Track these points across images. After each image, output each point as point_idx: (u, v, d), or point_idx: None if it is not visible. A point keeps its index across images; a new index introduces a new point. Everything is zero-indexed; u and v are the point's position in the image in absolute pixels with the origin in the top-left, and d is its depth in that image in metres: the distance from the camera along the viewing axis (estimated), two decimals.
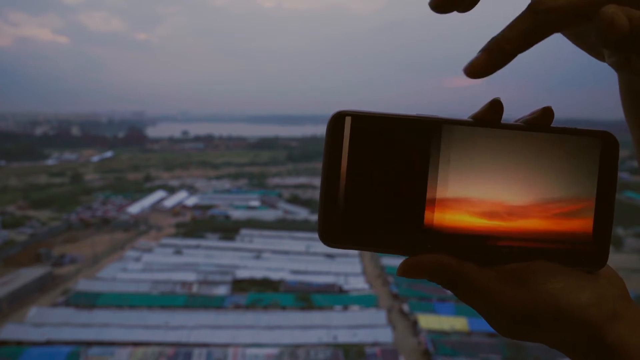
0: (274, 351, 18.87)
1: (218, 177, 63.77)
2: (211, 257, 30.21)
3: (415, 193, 0.39)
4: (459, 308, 21.11)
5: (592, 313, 0.37)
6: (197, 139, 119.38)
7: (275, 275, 26.77)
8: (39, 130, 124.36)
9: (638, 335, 0.36)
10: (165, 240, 33.84)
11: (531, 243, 0.39)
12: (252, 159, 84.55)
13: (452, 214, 0.39)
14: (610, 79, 0.43)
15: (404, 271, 0.40)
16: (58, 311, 22.17)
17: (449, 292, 0.44)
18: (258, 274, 26.87)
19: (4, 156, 78.21)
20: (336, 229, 0.40)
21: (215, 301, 23.80)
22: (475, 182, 0.39)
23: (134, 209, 43.59)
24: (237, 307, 23.29)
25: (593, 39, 0.38)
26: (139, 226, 39.16)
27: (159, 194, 50.01)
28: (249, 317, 22.00)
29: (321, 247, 27.00)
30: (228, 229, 36.66)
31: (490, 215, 0.39)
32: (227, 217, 41.17)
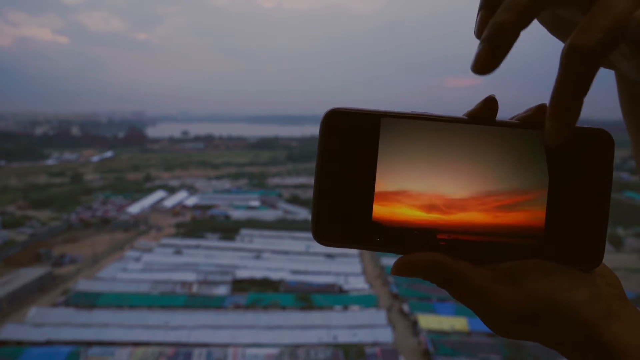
0: (274, 351, 18.87)
1: (218, 177, 63.79)
2: (211, 257, 30.21)
3: (365, 187, 0.39)
4: (459, 308, 21.10)
5: (587, 312, 0.36)
6: (197, 139, 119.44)
7: (275, 275, 26.77)
8: (39, 130, 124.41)
9: (633, 334, 0.36)
10: (165, 240, 33.84)
11: (472, 236, 0.39)
12: (252, 159, 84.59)
13: (393, 206, 0.39)
14: (610, 80, 0.43)
15: (398, 270, 0.40)
16: (58, 311, 22.17)
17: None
18: (258, 274, 26.87)
19: (4, 156, 78.25)
20: (326, 227, 0.40)
21: (215, 301, 23.80)
22: (414, 175, 0.39)
23: (134, 209, 43.60)
24: (237, 307, 23.30)
25: (629, 53, 0.35)
26: (139, 226, 39.17)
27: (159, 194, 50.02)
28: (249, 317, 22.00)
29: (321, 247, 26.95)
30: (228, 229, 36.66)
31: (429, 208, 0.39)
32: (227, 217, 41.18)
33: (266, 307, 23.09)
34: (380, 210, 0.39)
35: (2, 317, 22.17)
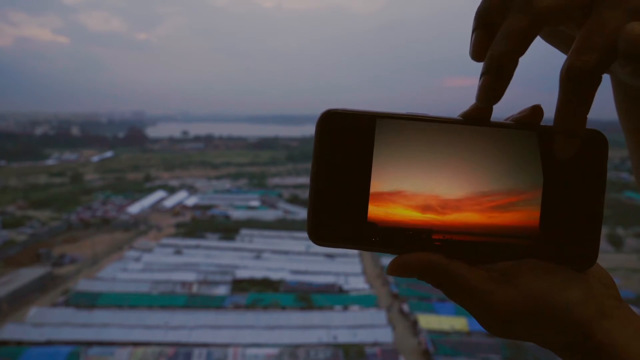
0: (274, 351, 18.87)
1: (218, 177, 63.78)
2: (211, 257, 30.21)
3: (360, 188, 0.40)
4: (459, 308, 20.85)
5: (580, 311, 0.37)
6: (197, 139, 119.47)
7: (275, 275, 26.77)
8: (39, 130, 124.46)
9: (626, 334, 0.36)
10: (165, 240, 33.84)
11: (467, 236, 0.40)
12: (252, 159, 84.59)
13: (388, 207, 0.39)
14: (608, 80, 0.44)
15: (393, 270, 0.40)
16: (58, 311, 22.17)
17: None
18: (258, 274, 26.87)
19: (4, 156, 78.29)
20: (322, 228, 0.40)
21: (215, 301, 23.79)
22: (409, 176, 0.39)
23: (134, 209, 43.59)
24: (237, 307, 23.29)
25: (622, 62, 0.34)
26: (139, 226, 39.17)
27: (159, 194, 50.02)
28: (249, 317, 21.99)
29: (321, 247, 26.88)
30: (228, 229, 36.66)
31: (424, 208, 0.39)
32: (227, 217, 41.17)
33: (266, 307, 23.09)
34: (376, 210, 0.40)
35: (2, 317, 22.17)
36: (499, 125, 0.39)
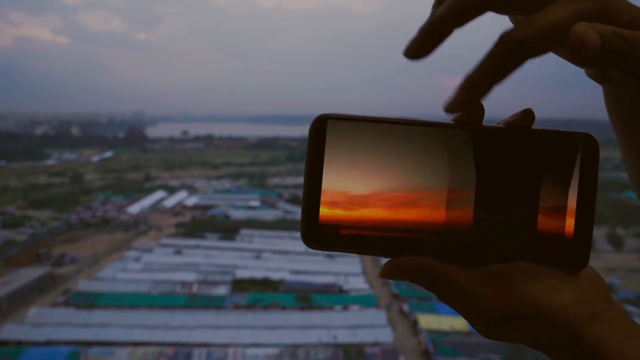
0: (274, 351, 18.87)
1: (218, 177, 63.78)
2: (211, 257, 30.21)
3: (315, 189, 0.40)
4: None
5: (571, 314, 0.37)
6: (197, 139, 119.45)
7: (275, 275, 26.77)
8: (39, 130, 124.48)
9: (617, 336, 0.36)
10: (165, 240, 33.85)
11: (373, 231, 0.40)
12: (252, 159, 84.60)
13: (323, 206, 0.40)
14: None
15: (386, 273, 0.40)
16: (58, 311, 22.17)
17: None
18: (258, 274, 26.87)
19: (4, 156, 78.31)
20: (313, 231, 0.41)
21: (215, 301, 23.79)
22: (331, 175, 0.40)
23: (134, 209, 43.59)
24: (237, 307, 23.29)
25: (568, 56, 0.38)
26: (139, 226, 39.17)
27: (159, 194, 50.03)
28: (249, 317, 22.00)
29: None
30: (228, 229, 36.66)
31: (332, 204, 0.40)
32: (227, 217, 41.17)
33: (266, 307, 23.09)
34: (323, 211, 0.40)
35: (2, 317, 22.18)
36: (490, 129, 0.40)
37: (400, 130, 0.40)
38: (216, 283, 25.97)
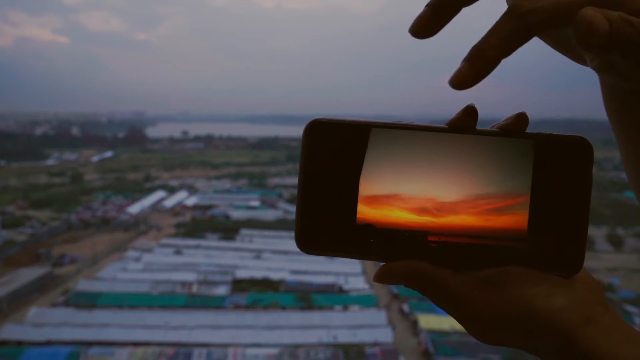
0: (274, 351, 18.87)
1: (218, 177, 63.77)
2: (211, 257, 30.21)
3: (349, 195, 0.40)
4: None
5: (565, 318, 0.37)
6: (197, 139, 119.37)
7: (275, 275, 26.77)
8: (39, 130, 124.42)
9: (612, 340, 0.36)
10: (165, 240, 33.83)
11: (461, 238, 0.40)
12: (252, 159, 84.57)
13: (384, 209, 0.40)
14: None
15: (380, 277, 0.41)
16: (58, 311, 22.17)
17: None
18: (258, 274, 26.86)
19: (4, 156, 78.27)
20: (311, 236, 0.41)
21: (215, 301, 23.79)
22: (404, 180, 0.40)
23: (134, 209, 43.58)
24: (237, 307, 23.29)
25: (573, 42, 0.37)
26: (139, 226, 39.17)
27: (159, 194, 50.02)
28: (249, 317, 21.99)
29: None
30: (228, 229, 36.66)
31: (420, 210, 0.40)
32: (227, 217, 41.16)
33: (266, 307, 23.09)
34: (372, 212, 0.40)
35: (2, 317, 22.17)
36: (484, 133, 0.40)
37: (391, 134, 0.40)
38: (216, 283, 25.97)
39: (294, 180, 60.84)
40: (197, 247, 32.46)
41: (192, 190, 53.73)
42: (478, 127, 0.41)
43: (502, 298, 0.38)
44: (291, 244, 32.51)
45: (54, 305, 23.39)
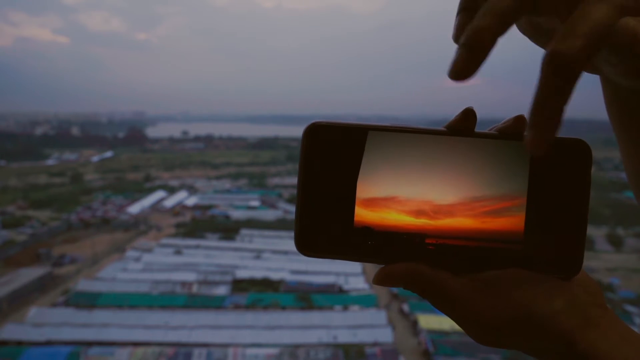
0: (274, 351, 18.87)
1: (218, 177, 63.78)
2: (211, 257, 30.21)
3: (347, 197, 0.41)
4: None
5: (564, 321, 0.37)
6: (197, 139, 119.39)
7: (275, 275, 26.77)
8: (39, 130, 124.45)
9: (610, 342, 0.36)
10: (165, 240, 33.83)
11: (458, 240, 0.40)
12: (252, 159, 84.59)
13: (382, 211, 0.40)
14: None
15: (379, 280, 0.41)
16: (58, 311, 22.17)
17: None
18: (258, 274, 26.87)
19: (4, 156, 78.29)
20: (310, 239, 0.41)
21: (215, 301, 23.79)
22: (401, 182, 0.40)
23: (134, 209, 43.59)
24: (237, 307, 23.29)
25: (614, 60, 0.34)
26: (139, 226, 39.16)
27: (159, 194, 50.02)
28: (249, 317, 21.99)
29: None
30: (228, 229, 36.66)
31: (417, 213, 0.40)
32: (227, 217, 41.16)
33: (266, 307, 23.09)
34: (371, 215, 0.40)
35: (2, 317, 22.17)
36: (483, 135, 0.40)
37: (389, 137, 0.40)
38: (216, 283, 25.97)
39: (294, 180, 59.84)
40: (197, 247, 32.46)
41: (192, 190, 53.73)
42: (477, 128, 0.40)
43: (501, 300, 0.38)
44: (291, 244, 31.97)
45: (54, 305, 23.39)
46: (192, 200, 47.34)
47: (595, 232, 34.55)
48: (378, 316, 21.71)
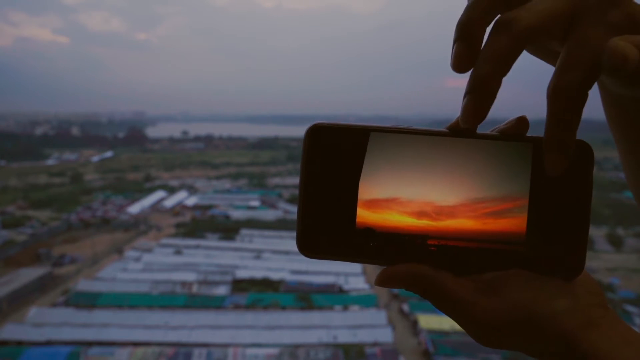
0: (274, 351, 18.87)
1: (218, 177, 63.78)
2: (211, 257, 30.21)
3: (350, 198, 0.41)
4: None
5: (566, 322, 0.37)
6: (197, 139, 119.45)
7: (275, 275, 26.77)
8: (39, 130, 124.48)
9: (612, 342, 0.36)
10: (165, 240, 33.84)
11: (460, 242, 0.40)
12: (252, 159, 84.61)
13: (383, 213, 0.40)
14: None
15: (381, 281, 0.41)
16: (58, 311, 22.17)
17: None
18: (258, 274, 26.87)
19: (4, 156, 78.34)
20: (312, 240, 0.41)
21: (215, 301, 23.79)
22: (403, 184, 0.40)
23: (134, 209, 43.59)
24: (237, 307, 23.29)
25: (604, 77, 0.35)
26: (139, 226, 39.16)
27: (159, 194, 50.03)
28: (249, 317, 21.99)
29: None
30: (228, 229, 36.66)
31: (419, 214, 0.40)
32: (227, 217, 41.16)
33: (266, 307, 23.09)
34: (373, 216, 0.40)
35: (2, 317, 22.17)
36: (485, 136, 0.40)
37: (390, 138, 0.40)
38: (216, 283, 25.97)
39: (294, 180, 60.88)
40: (197, 247, 32.46)
41: (192, 190, 53.74)
42: (479, 130, 0.40)
43: (503, 301, 0.38)
44: (291, 244, 32.51)
45: (54, 305, 23.39)
46: (192, 200, 47.34)
47: (595, 232, 34.55)
48: (378, 316, 21.71)
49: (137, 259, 29.84)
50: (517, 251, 0.40)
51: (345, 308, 22.98)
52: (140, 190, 53.06)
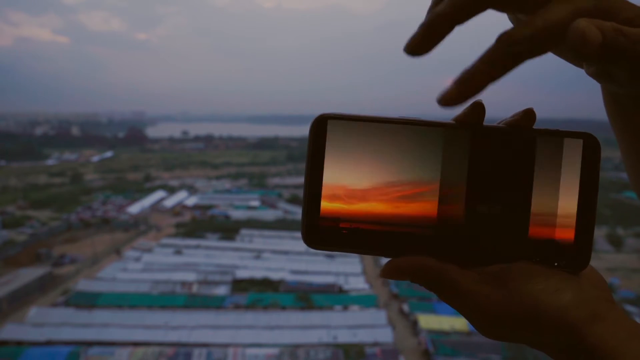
0: (274, 351, 18.87)
1: (218, 177, 63.77)
2: (211, 257, 30.20)
3: (316, 187, 0.41)
4: None
5: (572, 315, 0.37)
6: (197, 139, 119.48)
7: (275, 275, 26.77)
8: (39, 130, 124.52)
9: (618, 336, 0.36)
10: (165, 240, 33.82)
11: (372, 225, 0.40)
12: (252, 159, 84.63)
13: (324, 200, 0.41)
14: None
15: (387, 273, 0.41)
16: (58, 311, 22.17)
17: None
18: (258, 274, 26.87)
19: (4, 156, 78.34)
20: (315, 230, 0.41)
21: (215, 301, 23.79)
22: (331, 171, 0.41)
23: (134, 209, 43.57)
24: (237, 307, 23.29)
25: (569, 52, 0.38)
26: (139, 226, 39.16)
27: (159, 194, 50.01)
28: (249, 317, 21.99)
29: None
30: (228, 229, 36.65)
31: (333, 198, 0.41)
32: (227, 217, 41.16)
33: (266, 307, 23.09)
34: (334, 207, 0.41)
35: (2, 317, 22.17)
36: (489, 128, 0.40)
37: (398, 129, 0.40)
38: (216, 283, 25.97)
39: (294, 180, 60.90)
40: (197, 247, 32.45)
41: (192, 190, 53.72)
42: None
43: (509, 294, 0.38)
44: (291, 244, 32.54)
45: (54, 305, 23.39)
46: (192, 200, 47.33)
47: (596, 232, 34.22)
48: (378, 316, 21.71)
49: (137, 259, 29.84)
50: (427, 235, 0.40)
51: (345, 308, 22.98)
52: (140, 190, 53.06)
